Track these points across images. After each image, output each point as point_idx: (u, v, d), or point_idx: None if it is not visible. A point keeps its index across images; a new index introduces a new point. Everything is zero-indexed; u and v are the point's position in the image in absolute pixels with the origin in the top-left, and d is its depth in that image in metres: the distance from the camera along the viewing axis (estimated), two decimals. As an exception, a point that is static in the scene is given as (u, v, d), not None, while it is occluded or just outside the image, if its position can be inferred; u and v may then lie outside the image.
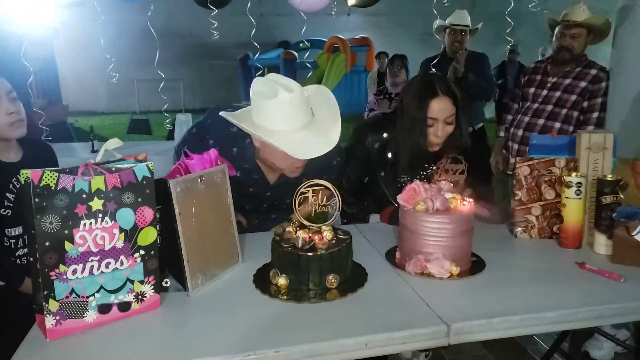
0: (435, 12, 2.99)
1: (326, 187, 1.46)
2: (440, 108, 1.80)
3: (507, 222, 1.88)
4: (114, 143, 1.37)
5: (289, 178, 1.74)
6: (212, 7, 3.05)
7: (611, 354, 2.37)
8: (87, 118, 9.73)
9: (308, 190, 1.47)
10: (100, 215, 1.19)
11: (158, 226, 1.30)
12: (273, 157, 1.66)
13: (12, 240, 1.73)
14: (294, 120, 1.53)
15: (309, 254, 1.35)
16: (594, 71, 2.69)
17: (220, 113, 1.64)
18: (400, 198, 1.53)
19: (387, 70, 4.28)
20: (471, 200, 1.50)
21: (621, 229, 1.54)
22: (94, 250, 1.19)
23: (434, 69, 3.51)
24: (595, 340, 2.35)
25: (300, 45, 10.04)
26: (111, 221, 1.20)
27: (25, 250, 1.71)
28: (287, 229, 1.46)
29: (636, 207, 1.55)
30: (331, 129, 1.57)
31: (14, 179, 1.67)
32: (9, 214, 1.70)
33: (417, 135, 1.83)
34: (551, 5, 3.00)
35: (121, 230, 1.22)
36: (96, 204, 1.18)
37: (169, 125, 3.57)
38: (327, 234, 1.42)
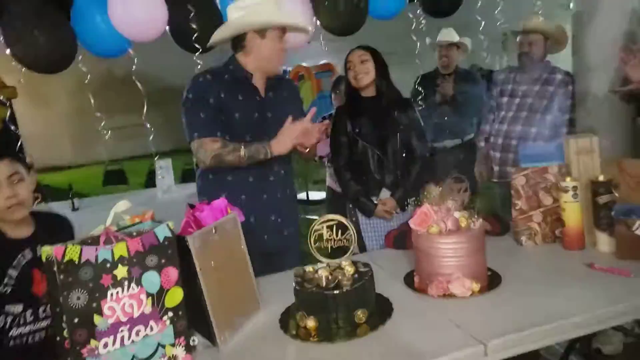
0: (414, 37, 3.11)
1: (339, 222, 1.48)
2: (354, 55, 2.46)
3: (508, 232, 1.93)
4: (123, 205, 1.36)
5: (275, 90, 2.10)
6: (195, 48, 3.00)
7: (620, 347, 2.43)
8: (51, 174, 9.46)
9: (322, 227, 1.49)
10: (126, 282, 1.17)
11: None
12: (259, 53, 1.99)
13: (9, 319, 1.65)
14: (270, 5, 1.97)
15: (334, 292, 1.35)
16: (559, 76, 2.83)
17: (214, 36, 2.03)
18: (412, 223, 1.56)
19: (332, 94, 3.84)
20: (479, 217, 1.55)
21: (621, 227, 1.61)
22: (123, 319, 1.16)
23: (425, 83, 3.71)
24: (603, 335, 2.40)
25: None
26: (137, 287, 1.18)
27: (20, 330, 1.64)
28: (306, 269, 1.46)
29: (631, 204, 1.63)
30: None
31: (20, 254, 1.62)
32: (7, 292, 1.64)
33: (347, 77, 2.50)
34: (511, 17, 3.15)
35: (148, 294, 1.20)
36: (121, 271, 1.16)
37: (160, 175, 3.52)
38: (349, 269, 1.42)
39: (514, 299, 1.44)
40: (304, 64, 7.40)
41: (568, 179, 1.73)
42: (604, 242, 1.69)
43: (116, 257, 1.16)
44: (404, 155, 2.48)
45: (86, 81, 2.61)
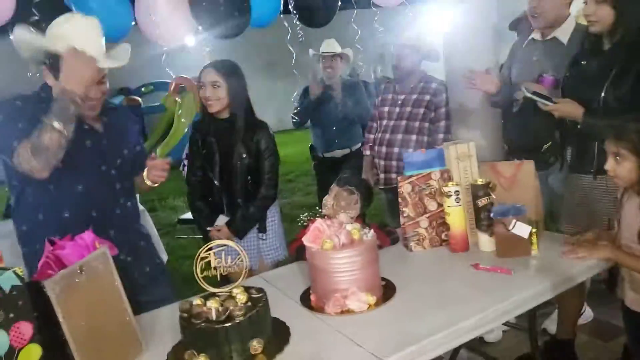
0: (291, 47, 3.08)
1: (228, 247, 1.37)
2: (205, 76, 2.31)
3: (397, 242, 1.96)
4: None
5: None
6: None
7: (500, 334, 2.60)
8: None
9: (209, 254, 1.36)
10: (-39, 348, 0.94)
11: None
12: (71, 75, 1.58)
13: None
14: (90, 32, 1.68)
15: (226, 324, 1.23)
16: (434, 85, 2.98)
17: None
18: (306, 239, 1.49)
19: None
20: (371, 229, 1.53)
21: (499, 227, 1.70)
22: (-40, 394, 0.94)
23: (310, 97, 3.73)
24: None
25: (142, 89, 9.51)
26: (-22, 351, 0.97)
27: None
28: (194, 303, 1.32)
29: (506, 204, 1.73)
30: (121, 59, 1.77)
31: None
32: None
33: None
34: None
35: (-7, 359, 0.99)
36: (-47, 335, 0.94)
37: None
38: (241, 296, 1.31)
39: (409, 308, 1.44)
40: (185, 75, 7.06)
41: (450, 183, 1.79)
42: (486, 242, 1.77)
43: (-55, 318, 0.94)
44: (249, 179, 2.34)
45: None
